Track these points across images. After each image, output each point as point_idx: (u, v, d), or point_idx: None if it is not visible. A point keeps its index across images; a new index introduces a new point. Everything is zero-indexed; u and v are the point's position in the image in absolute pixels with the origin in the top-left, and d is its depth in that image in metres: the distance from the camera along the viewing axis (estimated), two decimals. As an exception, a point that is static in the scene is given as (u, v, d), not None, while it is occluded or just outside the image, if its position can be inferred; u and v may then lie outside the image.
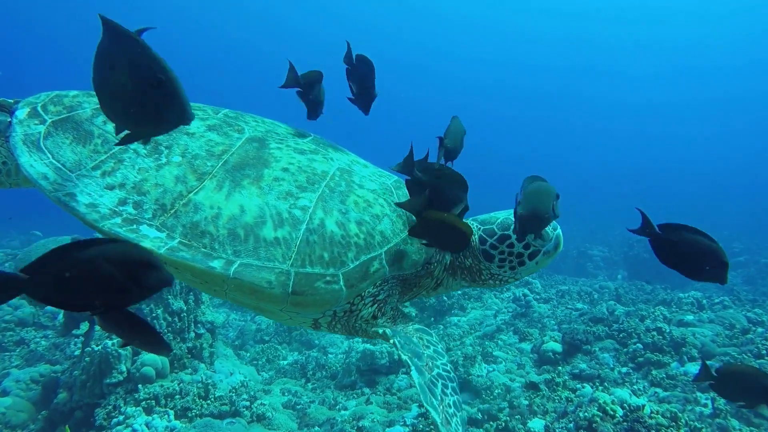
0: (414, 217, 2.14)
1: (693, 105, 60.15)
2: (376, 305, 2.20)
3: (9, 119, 2.26)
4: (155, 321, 5.68)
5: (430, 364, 2.05)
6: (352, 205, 2.18)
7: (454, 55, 62.00)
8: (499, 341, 7.47)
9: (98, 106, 2.22)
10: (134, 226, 1.96)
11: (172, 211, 2.01)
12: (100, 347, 5.14)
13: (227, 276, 1.92)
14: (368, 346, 6.60)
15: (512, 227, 2.30)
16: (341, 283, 2.04)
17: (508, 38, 59.30)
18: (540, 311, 8.81)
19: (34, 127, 2.19)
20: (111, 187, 2.04)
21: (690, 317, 7.32)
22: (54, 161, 2.09)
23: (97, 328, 5.84)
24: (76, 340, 6.43)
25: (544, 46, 58.40)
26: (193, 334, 6.01)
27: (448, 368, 2.10)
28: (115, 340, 5.23)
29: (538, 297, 9.91)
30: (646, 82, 59.97)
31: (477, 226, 2.39)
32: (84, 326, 6.10)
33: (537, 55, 59.26)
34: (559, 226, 2.34)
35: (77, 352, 6.01)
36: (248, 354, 8.34)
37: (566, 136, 64.34)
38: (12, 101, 2.37)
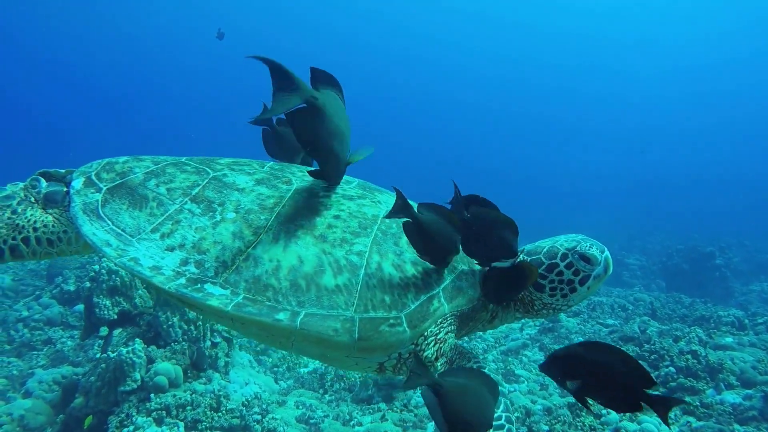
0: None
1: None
2: (437, 345, 2.19)
3: (64, 189, 2.41)
4: (171, 329, 5.67)
5: None
6: (405, 246, 2.22)
7: (467, 51, 60.52)
8: (524, 358, 7.21)
9: (149, 170, 2.44)
10: (199, 285, 2.03)
11: (233, 267, 2.08)
12: (115, 354, 5.15)
13: (294, 328, 1.97)
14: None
15: (559, 254, 2.32)
16: (405, 324, 2.07)
17: (529, 36, 57.77)
18: (568, 326, 8.48)
19: (91, 196, 2.30)
20: (171, 249, 2.13)
21: (729, 339, 6.88)
22: (114, 227, 2.20)
23: (115, 333, 5.88)
24: (100, 341, 6.52)
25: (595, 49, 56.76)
26: (209, 343, 5.98)
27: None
28: (129, 347, 5.24)
29: (567, 310, 9.56)
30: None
31: (523, 257, 2.39)
32: (104, 330, 6.15)
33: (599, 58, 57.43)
34: (606, 248, 2.32)
35: (99, 355, 6.08)
36: (270, 360, 8.30)
37: (615, 140, 62.58)
38: (64, 171, 2.51)
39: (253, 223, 2.20)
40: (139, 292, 6.11)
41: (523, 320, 9.03)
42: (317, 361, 8.17)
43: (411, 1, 55.97)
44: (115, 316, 5.87)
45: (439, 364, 2.21)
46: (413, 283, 2.15)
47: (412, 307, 2.10)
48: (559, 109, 62.26)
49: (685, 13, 51.33)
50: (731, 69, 54.70)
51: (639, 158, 54.38)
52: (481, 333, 8.50)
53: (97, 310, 5.74)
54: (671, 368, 5.95)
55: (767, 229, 27.17)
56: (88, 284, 5.88)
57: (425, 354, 2.17)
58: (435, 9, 55.76)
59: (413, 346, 2.15)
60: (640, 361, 1.80)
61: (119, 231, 2.19)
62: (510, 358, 7.15)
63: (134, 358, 5.15)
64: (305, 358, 8.30)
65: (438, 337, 2.19)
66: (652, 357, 6.21)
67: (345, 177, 2.57)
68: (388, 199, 2.50)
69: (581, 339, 7.83)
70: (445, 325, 2.20)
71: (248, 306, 1.99)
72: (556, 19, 54.42)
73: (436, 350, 2.19)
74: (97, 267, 5.96)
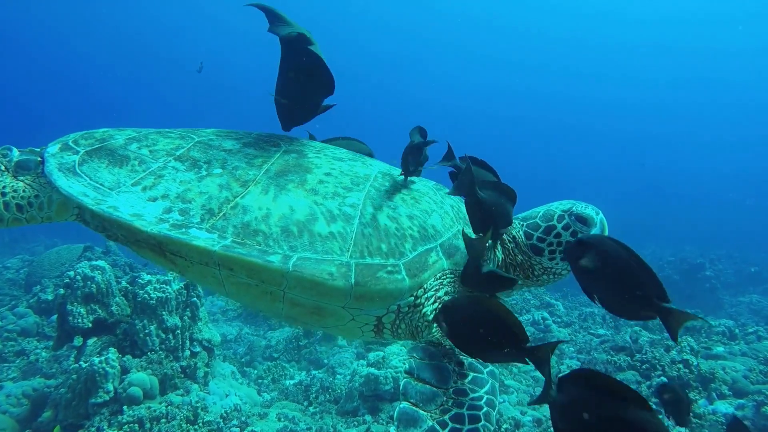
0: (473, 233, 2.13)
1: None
2: (436, 303, 2.08)
3: (38, 159, 2.35)
4: (147, 338, 5.46)
5: (438, 413, 1.77)
6: (399, 201, 2.19)
7: (462, 53, 60.39)
8: (513, 368, 7.04)
9: (130, 136, 2.35)
10: (183, 230, 1.93)
11: (220, 214, 1.99)
12: (87, 364, 4.93)
13: (286, 270, 1.86)
14: (372, 370, 6.27)
15: (556, 216, 2.32)
16: (403, 272, 1.99)
17: (521, 38, 57.93)
18: (560, 337, 8.34)
19: (68, 157, 2.21)
20: (153, 199, 2.03)
21: (720, 349, 6.78)
22: (92, 182, 2.09)
23: (89, 342, 5.65)
24: (76, 352, 6.27)
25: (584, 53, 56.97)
26: (188, 353, 5.77)
27: (477, 414, 1.77)
28: (103, 357, 5.02)
29: (559, 320, 9.44)
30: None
31: (519, 223, 2.40)
32: (78, 340, 5.92)
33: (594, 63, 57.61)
34: (600, 211, 2.33)
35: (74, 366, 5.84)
36: (255, 372, 8.09)
37: (601, 144, 62.76)
38: (38, 149, 2.43)
39: (241, 177, 2.11)
40: (116, 299, 5.90)
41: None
42: (303, 373, 8.03)
43: (411, 6, 56.03)
44: (90, 325, 5.63)
45: (435, 326, 2.07)
46: (410, 235, 2.09)
47: (411, 256, 2.03)
48: (551, 114, 62.39)
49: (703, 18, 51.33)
50: (726, 83, 55.34)
51: (630, 168, 54.70)
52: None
53: (71, 318, 5.52)
54: (663, 378, 5.82)
55: (755, 241, 27.32)
56: (62, 291, 5.66)
57: (424, 310, 2.07)
58: (437, 14, 55.95)
59: (412, 298, 2.05)
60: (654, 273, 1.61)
61: (97, 185, 2.08)
62: (499, 368, 6.99)
63: (107, 368, 4.93)
64: (291, 369, 8.10)
65: (438, 294, 2.09)
66: (644, 367, 6.08)
67: (334, 148, 2.55)
68: (379, 163, 2.50)
69: (573, 349, 7.69)
70: (445, 282, 2.12)
71: (237, 248, 1.88)
72: (556, 23, 54.57)
73: (435, 309, 2.06)
74: (72, 273, 5.74)
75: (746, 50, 50.99)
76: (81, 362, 5.05)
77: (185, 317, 5.78)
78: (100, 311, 5.74)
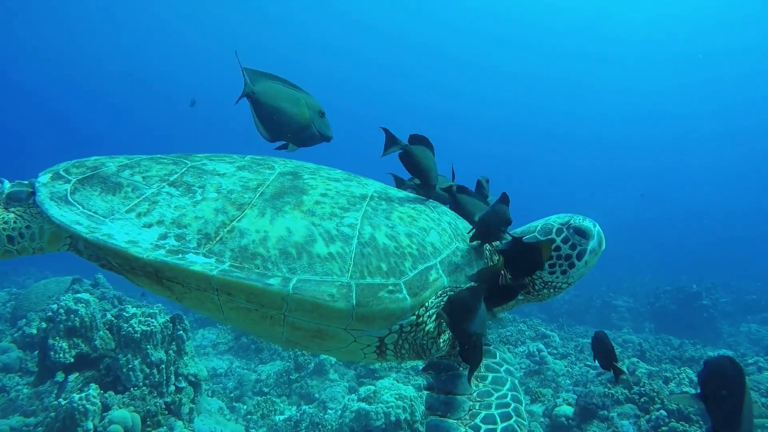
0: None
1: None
2: (439, 320, 2.10)
3: (30, 190, 2.33)
4: (131, 373, 5.29)
5: (468, 418, 1.80)
6: (397, 220, 2.18)
7: (460, 62, 61.03)
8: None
9: (122, 163, 2.33)
10: (180, 255, 1.90)
11: (217, 239, 1.96)
12: (66, 401, 4.75)
13: (287, 293, 1.84)
14: (363, 405, 6.08)
15: (555, 229, 2.33)
16: (405, 291, 1.98)
17: (515, 47, 58.45)
18: (555, 369, 8.16)
19: (59, 186, 2.18)
20: (149, 225, 2.01)
21: (720, 381, 6.61)
22: (85, 210, 2.07)
23: (71, 378, 5.48)
24: (57, 389, 6.07)
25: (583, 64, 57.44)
26: (173, 388, 5.59)
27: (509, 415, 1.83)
28: (83, 394, 4.85)
29: (555, 352, 9.26)
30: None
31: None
32: (60, 376, 5.74)
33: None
34: (597, 224, 2.36)
35: (53, 403, 5.64)
36: (244, 407, 7.88)
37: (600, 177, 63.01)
38: (27, 181, 2.41)
39: (237, 201, 2.09)
40: (101, 333, 5.75)
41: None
42: (293, 408, 7.80)
43: (404, 13, 56.75)
44: (72, 360, 5.47)
45: (441, 340, 2.10)
46: (409, 253, 2.07)
47: (411, 274, 2.02)
48: (547, 150, 62.95)
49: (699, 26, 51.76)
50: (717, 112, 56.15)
51: (627, 200, 54.86)
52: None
53: (52, 353, 5.36)
54: (662, 411, 5.66)
55: (752, 269, 27.25)
56: (44, 325, 5.51)
57: (427, 328, 2.06)
58: (431, 21, 56.68)
59: (414, 317, 2.03)
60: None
61: (90, 213, 2.05)
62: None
63: (87, 405, 4.75)
64: (281, 404, 7.87)
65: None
66: (642, 400, 5.92)
67: (329, 168, 2.62)
68: (375, 183, 2.50)
69: (569, 382, 7.52)
70: (445, 299, 2.08)
71: (235, 272, 1.85)
72: (550, 31, 55.19)
73: (438, 325, 2.09)
74: (54, 306, 5.61)
75: (743, 75, 51.89)
76: (60, 399, 4.87)
77: (171, 351, 5.62)
78: (83, 345, 5.58)
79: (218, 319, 2.11)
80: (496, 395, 1.85)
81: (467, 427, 1.73)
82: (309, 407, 7.62)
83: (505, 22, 56.02)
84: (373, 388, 6.46)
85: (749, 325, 16.03)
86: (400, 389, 6.32)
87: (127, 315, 5.51)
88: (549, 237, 2.31)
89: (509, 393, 1.88)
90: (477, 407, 1.81)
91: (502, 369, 1.96)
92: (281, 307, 1.87)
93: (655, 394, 5.90)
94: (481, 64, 60.47)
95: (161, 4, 51.46)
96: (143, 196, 2.11)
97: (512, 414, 1.80)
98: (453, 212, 2.56)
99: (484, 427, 1.74)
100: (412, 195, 2.55)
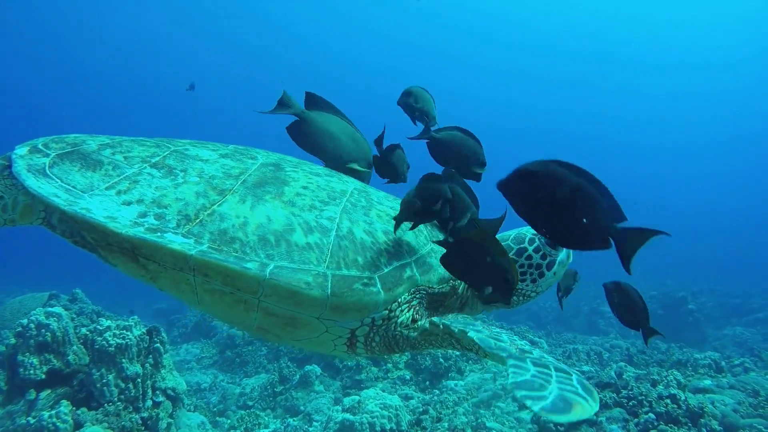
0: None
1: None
2: (412, 310, 2.14)
3: (5, 163, 2.26)
4: (105, 388, 5.11)
5: (513, 347, 1.77)
6: (375, 217, 2.22)
7: (462, 63, 61.30)
8: (496, 410, 6.75)
9: (104, 142, 2.30)
10: (159, 234, 1.89)
11: (196, 221, 1.97)
12: (35, 420, 4.56)
13: (263, 277, 1.85)
14: (347, 416, 5.93)
15: (527, 239, 2.41)
16: (378, 285, 2.01)
17: (515, 47, 58.60)
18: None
19: (37, 159, 2.14)
20: (128, 203, 2.00)
21: (708, 382, 6.58)
22: (64, 184, 2.03)
23: (42, 396, 5.26)
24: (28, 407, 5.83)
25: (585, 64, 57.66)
26: (150, 402, 5.40)
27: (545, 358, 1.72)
28: (53, 411, 4.66)
29: (542, 358, 9.16)
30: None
31: None
32: (32, 394, 5.52)
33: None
34: None
35: (21, 422, 5.41)
36: (228, 422, 7.67)
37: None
38: (3, 154, 2.37)
39: (218, 186, 2.11)
40: (74, 347, 5.55)
41: (494, 369, 8.60)
42: (278, 422, 7.61)
43: (403, 13, 56.78)
44: (43, 376, 5.26)
45: (419, 323, 2.13)
46: (385, 250, 2.12)
47: (386, 270, 2.06)
48: (547, 125, 62.81)
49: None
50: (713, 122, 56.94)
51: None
52: (452, 384, 8.02)
53: (22, 370, 5.15)
54: (651, 414, 5.58)
55: (737, 274, 27.51)
56: (12, 341, 5.30)
57: (400, 319, 2.11)
58: (431, 22, 56.77)
59: (386, 312, 2.08)
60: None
61: (69, 187, 2.02)
62: (481, 411, 6.68)
63: (57, 424, 4.57)
64: (266, 417, 7.67)
65: (412, 303, 2.15)
66: (631, 403, 5.84)
67: (311, 164, 2.62)
68: (354, 180, 2.55)
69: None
70: (417, 297, 2.16)
71: (214, 253, 1.87)
72: (551, 31, 55.31)
73: (413, 314, 2.14)
74: (24, 321, 5.40)
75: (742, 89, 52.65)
76: (29, 418, 4.67)
77: (147, 365, 5.44)
78: (55, 361, 5.37)
79: (191, 302, 2.08)
80: (533, 351, 1.79)
81: (535, 367, 1.61)
82: (294, 420, 7.43)
83: (507, 23, 56.39)
84: (357, 398, 6.32)
85: (734, 328, 16.13)
86: (385, 399, 6.18)
87: (101, 328, 5.33)
88: (521, 246, 2.40)
89: (535, 351, 1.79)
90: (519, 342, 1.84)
91: (508, 348, 1.86)
92: (257, 291, 1.89)
93: (643, 397, 5.83)
94: (483, 65, 60.70)
95: (154, 4, 50.97)
96: (124, 175, 2.10)
97: (551, 365, 1.67)
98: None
99: (535, 351, 1.75)
100: (390, 195, 2.58)
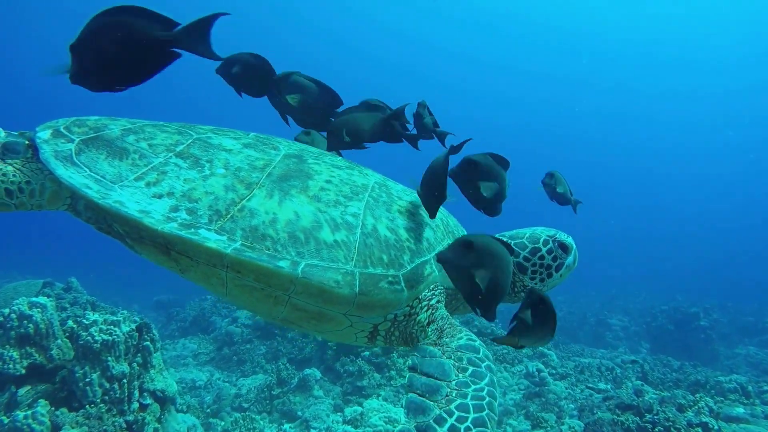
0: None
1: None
2: (429, 310, 2.22)
3: (26, 142, 2.27)
4: (88, 387, 4.69)
5: (444, 402, 1.87)
6: (396, 213, 2.27)
7: (463, 58, 60.35)
8: (507, 428, 6.31)
9: (126, 127, 2.27)
10: (193, 230, 1.90)
11: (228, 216, 1.98)
12: (9, 420, 4.15)
13: (295, 276, 1.90)
14: (349, 428, 5.52)
15: (542, 240, 2.47)
16: (402, 284, 2.08)
17: (523, 45, 57.98)
18: (556, 391, 7.62)
19: (62, 145, 2.12)
20: (159, 196, 1.99)
21: (740, 410, 6.12)
22: (93, 174, 2.02)
23: (20, 392, 4.85)
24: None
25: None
26: (136, 405, 4.98)
27: (480, 405, 1.86)
28: (29, 411, 4.25)
29: (554, 372, 8.73)
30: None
31: (507, 241, 2.41)
32: (10, 390, 5.11)
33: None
34: (575, 243, 2.50)
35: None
36: (221, 424, 7.28)
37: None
38: (27, 132, 2.33)
39: (245, 179, 2.11)
40: (58, 341, 5.12)
41: (506, 383, 8.17)
42: (274, 426, 7.19)
43: (412, 10, 56.30)
44: (23, 371, 4.84)
45: (430, 329, 2.20)
46: (407, 247, 2.17)
47: (409, 268, 2.12)
48: (556, 151, 62.31)
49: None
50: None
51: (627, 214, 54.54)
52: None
53: (0, 363, 4.73)
54: None
55: (748, 291, 26.93)
56: (-9, 332, 4.89)
57: (419, 318, 2.20)
58: (439, 19, 56.33)
59: (408, 308, 2.18)
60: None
61: (99, 177, 2.01)
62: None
63: (33, 425, 4.16)
64: (261, 421, 7.26)
65: (431, 303, 2.23)
66: (657, 429, 5.39)
67: (329, 154, 2.62)
68: (373, 173, 2.55)
69: (572, 406, 6.98)
70: (436, 292, 2.26)
71: (248, 251, 1.90)
72: (556, 29, 54.78)
73: (428, 315, 2.22)
74: (6, 310, 4.99)
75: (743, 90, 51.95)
76: (3, 417, 4.26)
77: (135, 364, 5.02)
78: (36, 355, 4.95)
79: (219, 293, 2.10)
80: (473, 387, 1.90)
81: (441, 410, 1.80)
82: (291, 426, 7.03)
83: (515, 21, 55.85)
84: (360, 409, 5.90)
85: (747, 347, 15.64)
86: (389, 411, 5.77)
87: (86, 322, 4.91)
88: (535, 245, 2.46)
89: (486, 388, 1.91)
90: (454, 394, 1.87)
91: (483, 365, 2.00)
92: (288, 288, 1.94)
93: (670, 423, 5.38)
94: (496, 63, 60.17)
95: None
96: (151, 165, 2.09)
97: (485, 407, 1.84)
98: (444, 209, 2.62)
99: (457, 413, 1.80)
100: (408, 189, 2.60)
